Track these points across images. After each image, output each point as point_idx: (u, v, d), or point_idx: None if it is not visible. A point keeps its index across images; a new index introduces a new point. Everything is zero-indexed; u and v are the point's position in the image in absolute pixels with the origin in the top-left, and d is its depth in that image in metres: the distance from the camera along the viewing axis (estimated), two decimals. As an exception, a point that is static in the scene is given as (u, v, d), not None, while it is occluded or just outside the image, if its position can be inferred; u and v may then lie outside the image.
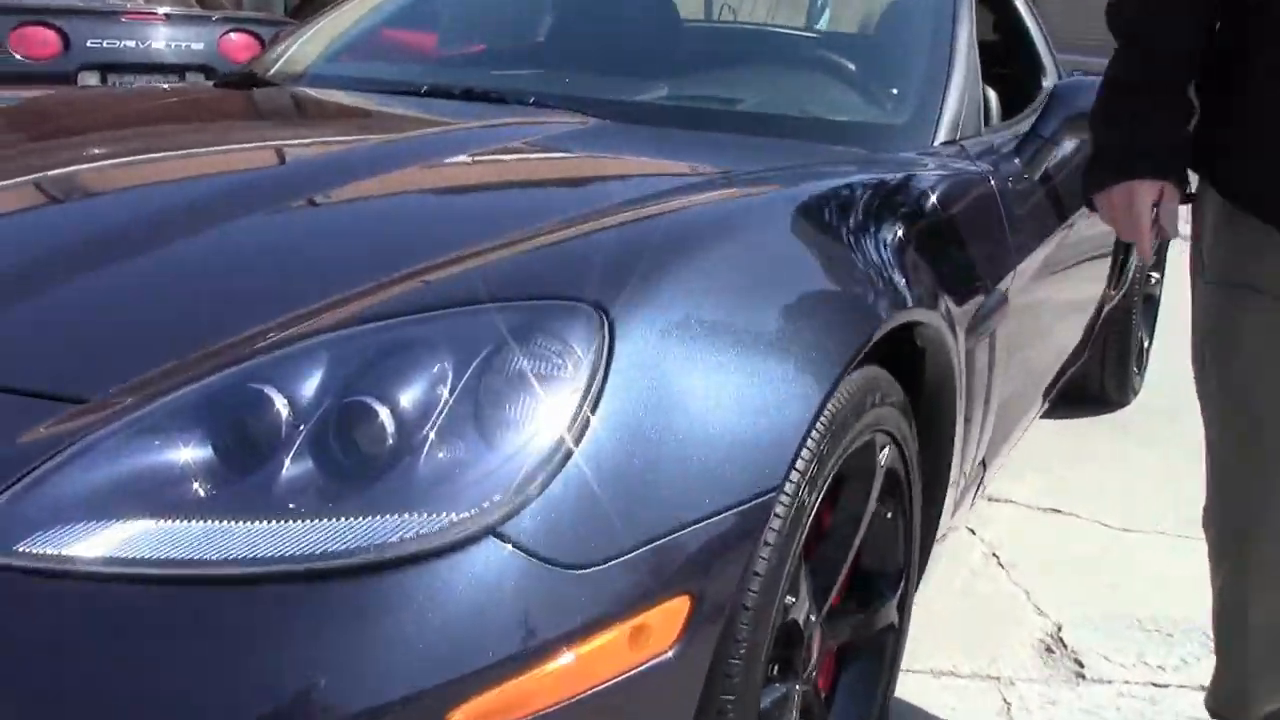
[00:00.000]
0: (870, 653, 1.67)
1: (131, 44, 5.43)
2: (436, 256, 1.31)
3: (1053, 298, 2.62)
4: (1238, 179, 1.50)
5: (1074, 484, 3.19)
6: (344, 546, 1.00)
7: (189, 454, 1.08)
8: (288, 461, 1.06)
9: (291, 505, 1.04)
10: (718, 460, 1.14)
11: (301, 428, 1.08)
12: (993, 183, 2.14)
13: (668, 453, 1.11)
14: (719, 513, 1.13)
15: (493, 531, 1.02)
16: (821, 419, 1.25)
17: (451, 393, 1.09)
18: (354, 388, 1.09)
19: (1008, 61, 3.21)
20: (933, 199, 1.81)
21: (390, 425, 1.07)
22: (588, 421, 1.09)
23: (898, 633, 1.71)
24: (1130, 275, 3.57)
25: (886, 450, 1.52)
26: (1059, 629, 2.41)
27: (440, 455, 1.06)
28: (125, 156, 1.93)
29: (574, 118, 2.05)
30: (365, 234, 1.50)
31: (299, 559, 0.99)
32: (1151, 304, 4.11)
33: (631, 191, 1.52)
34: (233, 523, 1.03)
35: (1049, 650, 2.33)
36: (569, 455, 1.07)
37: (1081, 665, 2.28)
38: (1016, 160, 2.37)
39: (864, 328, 1.36)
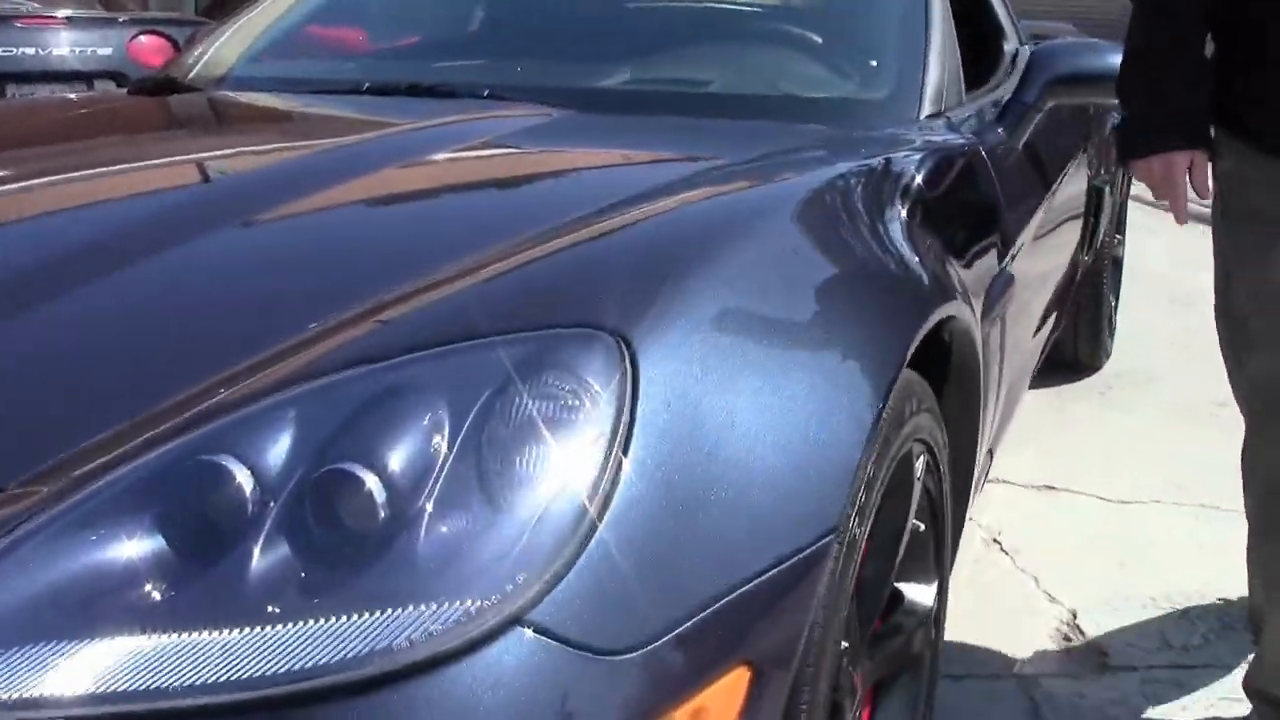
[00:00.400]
0: (909, 673, 1.52)
1: (31, 51, 5.11)
2: (414, 281, 1.12)
3: (1040, 269, 2.49)
4: (1264, 124, 1.59)
5: (1063, 457, 3.08)
6: (341, 655, 0.82)
7: (136, 549, 0.89)
8: (257, 551, 0.88)
9: (270, 607, 0.86)
10: (768, 505, 0.98)
11: (271, 506, 0.90)
12: (985, 156, 2.00)
13: (711, 503, 0.95)
14: (774, 566, 0.96)
15: (519, 620, 0.85)
16: (873, 441, 1.09)
17: (450, 449, 0.92)
18: (331, 452, 0.91)
19: (966, 25, 3.08)
20: (944, 179, 1.66)
21: (379, 495, 0.89)
22: (616, 473, 0.92)
23: (935, 647, 1.57)
24: (1101, 238, 3.47)
25: (921, 460, 1.37)
26: (1074, 616, 2.29)
27: (443, 528, 0.88)
28: (26, 180, 1.70)
29: (536, 110, 1.86)
30: (323, 259, 1.30)
31: (287, 677, 0.81)
32: (1117, 266, 4.02)
33: (622, 190, 1.34)
34: (199, 634, 0.85)
35: (1068, 640, 2.21)
36: (598, 516, 0.90)
37: (1104, 654, 2.16)
38: (1000, 130, 2.22)
39: (906, 329, 1.20)
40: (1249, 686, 1.85)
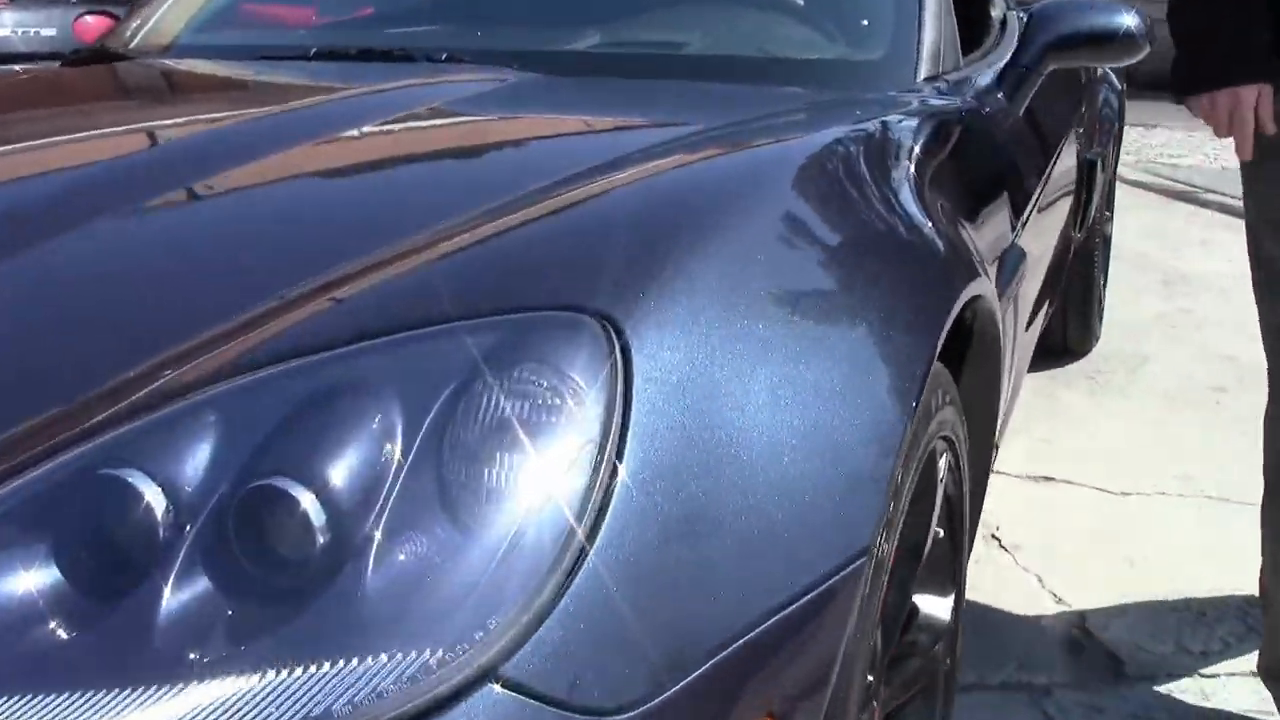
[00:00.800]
0: (923, 697, 1.37)
1: (-31, 32, 4.87)
2: (361, 259, 0.95)
3: (1040, 246, 2.35)
4: None
5: (1059, 446, 2.94)
6: (268, 723, 0.66)
7: (23, 584, 0.73)
8: (168, 587, 0.72)
9: (183, 656, 0.69)
10: (788, 525, 0.81)
11: (186, 530, 0.74)
12: (988, 122, 1.85)
13: (722, 522, 0.78)
14: (800, 597, 0.80)
15: (490, 674, 0.68)
16: (904, 442, 0.93)
17: (405, 459, 0.76)
18: (260, 464, 0.75)
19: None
20: (951, 144, 1.50)
21: (318, 517, 0.72)
22: (608, 487, 0.75)
23: (952, 666, 1.42)
24: (1093, 215, 3.34)
25: (944, 459, 1.21)
26: (1084, 619, 2.14)
27: (396, 559, 0.72)
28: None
29: (497, 74, 1.68)
30: (261, 234, 1.13)
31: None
32: (1107, 245, 3.89)
33: (600, 155, 1.18)
34: (96, 690, 0.68)
35: (1079, 647, 2.06)
36: (587, 539, 0.74)
37: (1118, 661, 2.02)
38: (1000, 95, 2.07)
39: (937, 310, 1.04)
40: (1261, 667, 1.80)
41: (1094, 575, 2.29)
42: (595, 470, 0.76)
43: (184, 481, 0.75)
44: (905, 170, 1.33)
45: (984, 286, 1.23)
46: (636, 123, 1.57)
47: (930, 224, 1.19)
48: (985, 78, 2.12)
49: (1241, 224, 1.82)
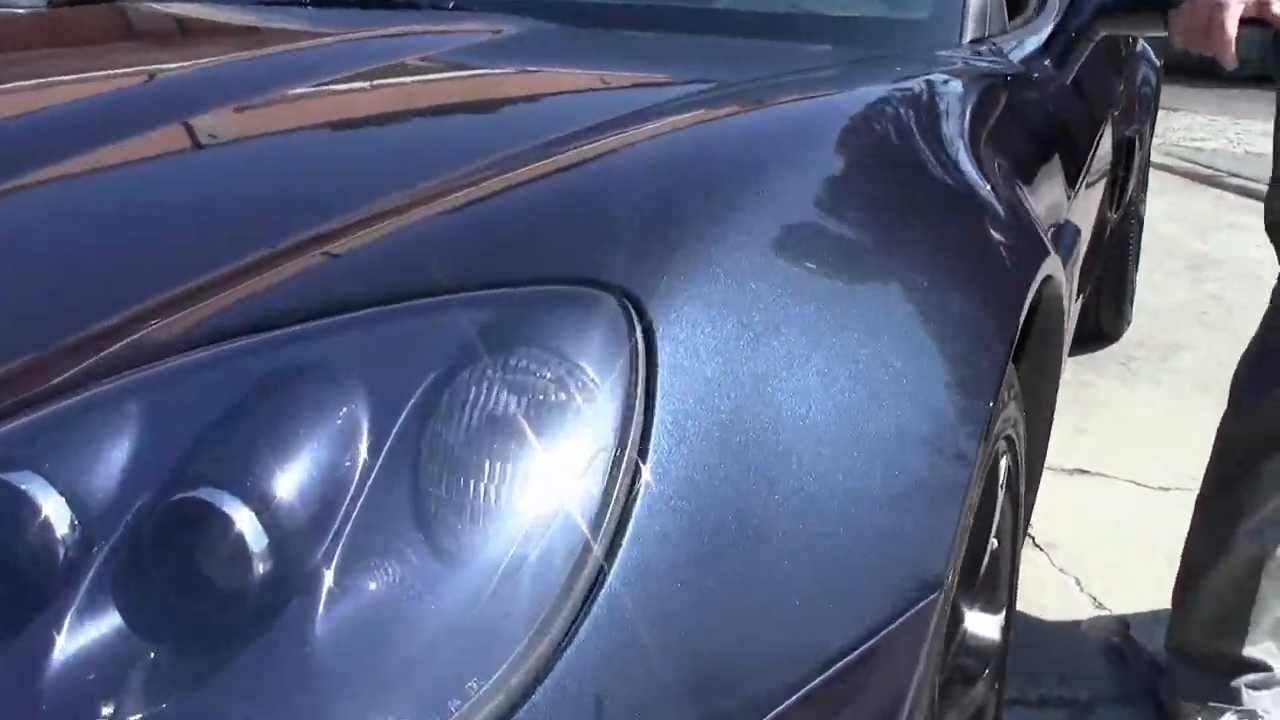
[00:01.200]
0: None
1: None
2: (331, 219, 0.80)
3: (1085, 224, 2.18)
4: None
5: (1093, 437, 2.78)
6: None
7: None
8: (68, 619, 0.57)
9: (94, 707, 0.54)
10: (848, 552, 0.66)
11: (94, 552, 0.58)
12: (1039, 89, 1.68)
13: (770, 546, 0.63)
14: (861, 642, 0.65)
15: (474, 752, 0.53)
16: (981, 451, 0.77)
17: (372, 464, 0.60)
18: (188, 471, 0.59)
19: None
20: (1002, 107, 1.34)
21: (257, 540, 0.57)
22: (626, 502, 0.60)
23: (1000, 690, 1.26)
24: (1130, 194, 3.17)
25: (1004, 461, 1.06)
26: (1126, 627, 1.99)
27: (359, 592, 0.57)
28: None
29: (503, 22, 1.51)
30: (217, 191, 0.96)
31: None
32: (1140, 226, 3.73)
33: (617, 109, 1.01)
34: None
35: (1122, 657, 1.91)
36: (600, 574, 0.58)
37: (1164, 672, 1.86)
38: (1047, 62, 1.90)
39: (1013, 293, 0.88)
40: (1170, 645, 1.76)
41: (1135, 577, 2.14)
42: (611, 480, 0.61)
43: (93, 490, 0.60)
44: (961, 132, 1.16)
45: (1055, 265, 1.07)
46: (655, 79, 1.41)
47: (994, 192, 1.03)
48: (1032, 43, 1.95)
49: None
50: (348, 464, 0.60)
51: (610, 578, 0.58)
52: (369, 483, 0.60)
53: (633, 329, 0.64)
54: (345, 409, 0.62)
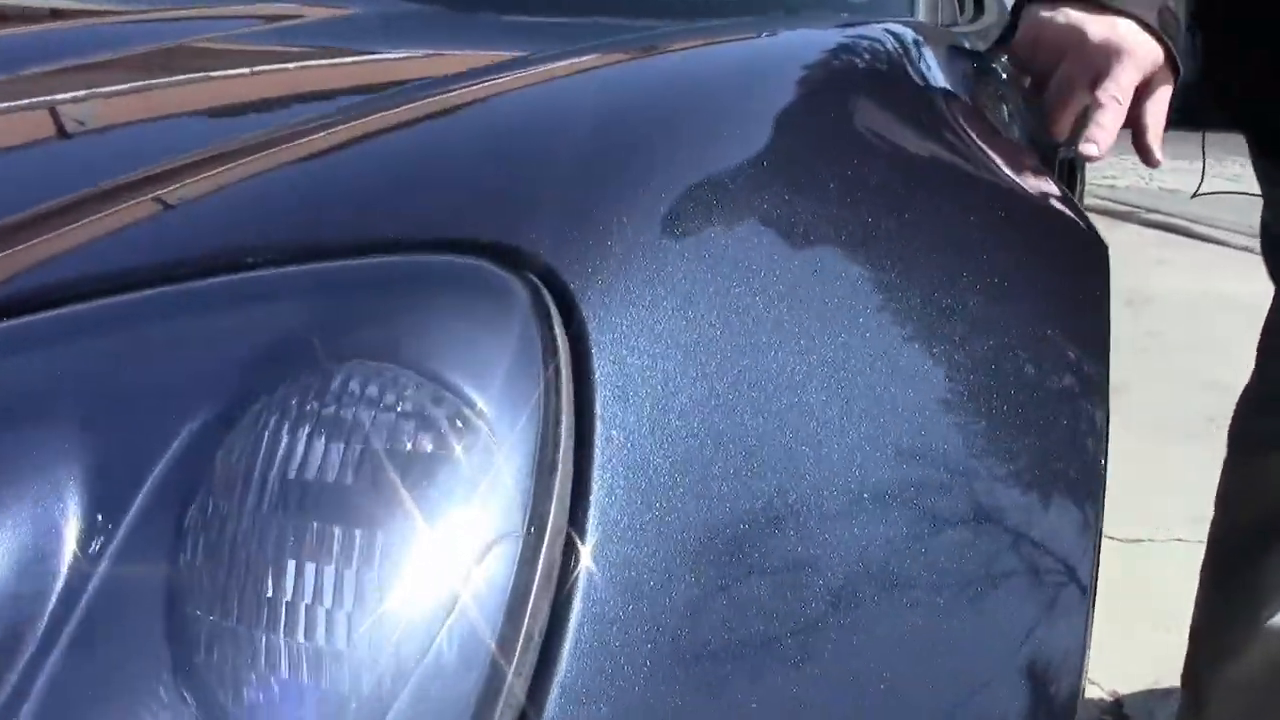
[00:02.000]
0: None
1: None
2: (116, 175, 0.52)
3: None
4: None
5: (1052, 485, 2.58)
6: None
7: None
8: None
9: None
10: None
11: None
12: (998, 79, 1.48)
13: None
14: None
15: None
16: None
17: (88, 566, 0.33)
18: None
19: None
20: (998, 69, 1.12)
21: None
22: (551, 616, 0.33)
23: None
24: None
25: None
26: (1120, 707, 1.76)
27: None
28: None
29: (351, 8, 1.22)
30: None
31: None
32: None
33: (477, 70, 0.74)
34: None
35: (1117, 739, 1.68)
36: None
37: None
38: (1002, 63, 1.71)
39: (1094, 277, 0.64)
40: None
41: (1123, 644, 1.91)
42: (522, 580, 0.34)
43: None
44: (980, 83, 0.94)
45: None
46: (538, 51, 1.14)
47: (1021, 163, 0.78)
48: (980, 46, 1.76)
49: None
50: (42, 569, 0.33)
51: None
52: (74, 620, 0.32)
53: (550, 327, 0.38)
54: (48, 483, 0.34)
